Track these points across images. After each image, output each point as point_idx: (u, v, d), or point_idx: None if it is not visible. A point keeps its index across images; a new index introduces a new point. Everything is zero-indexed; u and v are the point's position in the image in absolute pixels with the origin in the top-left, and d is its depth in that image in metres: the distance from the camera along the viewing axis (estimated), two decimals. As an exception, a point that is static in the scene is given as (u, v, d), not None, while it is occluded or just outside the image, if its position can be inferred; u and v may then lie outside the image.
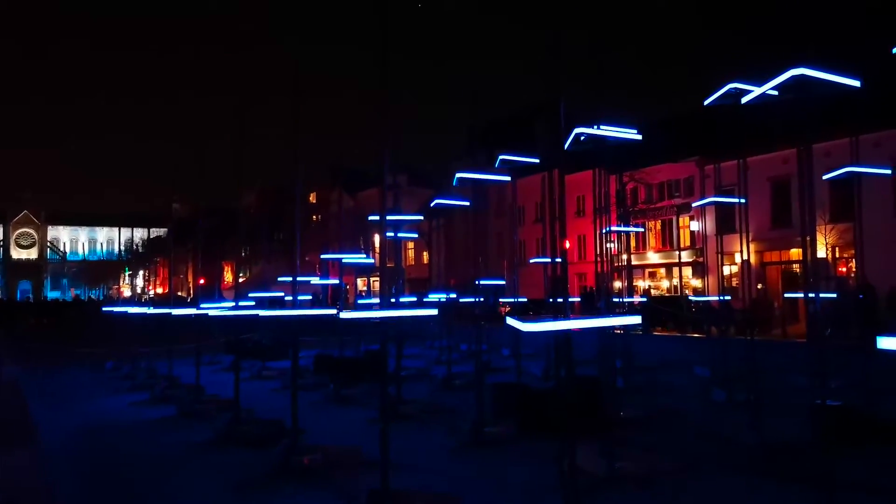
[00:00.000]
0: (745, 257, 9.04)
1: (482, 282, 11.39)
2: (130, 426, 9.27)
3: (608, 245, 10.00)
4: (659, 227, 37.92)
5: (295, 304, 7.37)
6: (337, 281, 13.42)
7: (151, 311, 14.17)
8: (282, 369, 13.54)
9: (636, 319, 6.01)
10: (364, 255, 14.42)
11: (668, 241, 37.17)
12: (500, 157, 10.82)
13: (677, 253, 32.58)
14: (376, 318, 5.83)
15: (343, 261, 14.56)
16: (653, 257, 37.99)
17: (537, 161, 11.15)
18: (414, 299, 28.37)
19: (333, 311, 10.43)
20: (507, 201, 35.87)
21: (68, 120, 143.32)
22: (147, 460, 7.32)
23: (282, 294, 15.34)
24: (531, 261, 17.11)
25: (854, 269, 22.82)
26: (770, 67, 5.28)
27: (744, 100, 6.01)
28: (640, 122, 7.69)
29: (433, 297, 20.74)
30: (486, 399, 8.16)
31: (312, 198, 61.10)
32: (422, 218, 10.69)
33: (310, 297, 32.53)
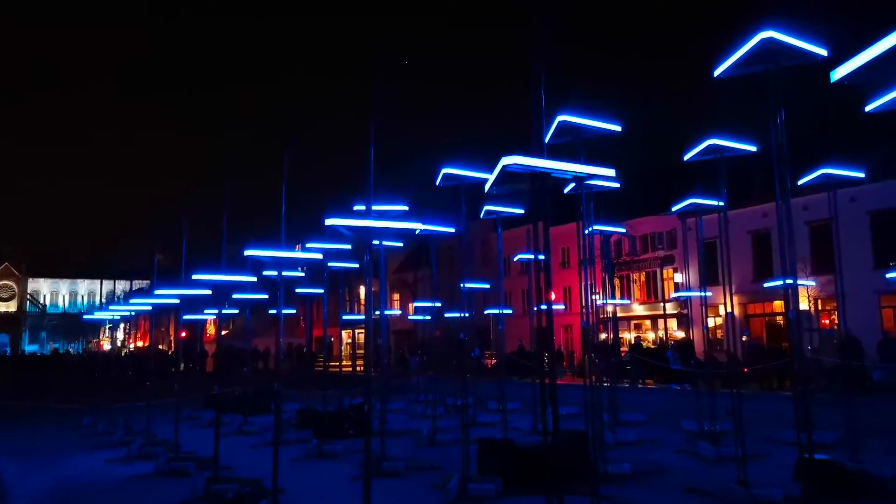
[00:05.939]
0: (729, 309, 9.08)
1: (467, 285, 10.96)
2: (105, 485, 8.97)
3: (593, 296, 10.00)
4: (643, 278, 38.16)
5: (279, 312, 7.28)
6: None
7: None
8: (264, 425, 13.25)
9: (609, 171, 5.74)
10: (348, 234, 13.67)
11: (652, 293, 37.34)
12: (486, 207, 10.92)
13: (662, 304, 32.68)
14: (366, 227, 5.76)
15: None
16: (638, 309, 38.08)
17: (522, 213, 11.25)
18: (399, 312, 28.50)
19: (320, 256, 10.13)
20: (492, 252, 36.02)
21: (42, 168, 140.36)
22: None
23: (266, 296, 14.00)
24: (515, 258, 16.65)
25: (836, 322, 22.96)
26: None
27: (716, 72, 5.94)
28: (623, 174, 7.74)
29: (420, 305, 20.72)
30: (472, 455, 8.01)
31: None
32: (407, 208, 9.99)
33: (294, 311, 31.14)
